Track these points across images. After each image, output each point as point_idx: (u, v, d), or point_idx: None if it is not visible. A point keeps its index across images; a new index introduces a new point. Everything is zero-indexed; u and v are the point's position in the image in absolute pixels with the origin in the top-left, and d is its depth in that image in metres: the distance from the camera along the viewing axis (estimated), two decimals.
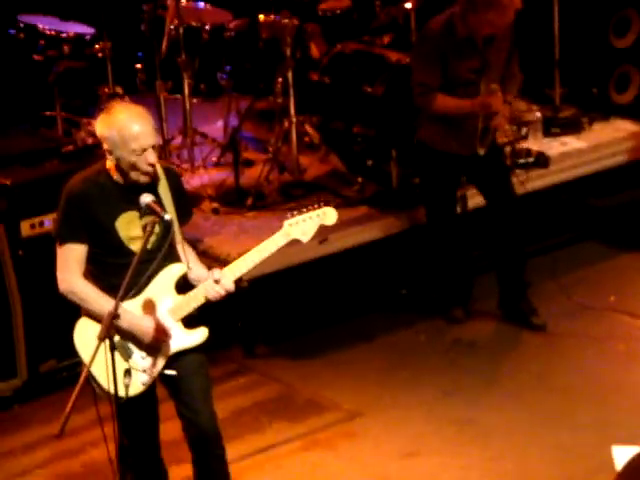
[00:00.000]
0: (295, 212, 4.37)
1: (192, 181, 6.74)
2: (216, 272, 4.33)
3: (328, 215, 4.40)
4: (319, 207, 4.39)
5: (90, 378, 4.20)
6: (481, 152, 6.00)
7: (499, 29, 5.80)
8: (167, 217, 4.22)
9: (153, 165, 4.25)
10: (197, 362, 4.42)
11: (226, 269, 4.35)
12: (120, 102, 4.33)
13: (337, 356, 6.05)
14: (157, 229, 4.27)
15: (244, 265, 4.35)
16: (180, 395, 4.42)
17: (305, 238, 4.38)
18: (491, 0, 5.68)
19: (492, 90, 5.86)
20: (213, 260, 6.04)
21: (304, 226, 4.36)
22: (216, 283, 4.31)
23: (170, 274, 4.36)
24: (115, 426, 4.06)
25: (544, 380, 5.75)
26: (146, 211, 4.27)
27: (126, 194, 4.30)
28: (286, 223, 4.35)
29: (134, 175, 4.26)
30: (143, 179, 4.27)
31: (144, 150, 4.21)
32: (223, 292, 4.31)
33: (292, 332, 6.26)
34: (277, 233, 4.35)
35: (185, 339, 4.38)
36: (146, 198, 4.25)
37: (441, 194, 6.18)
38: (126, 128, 4.20)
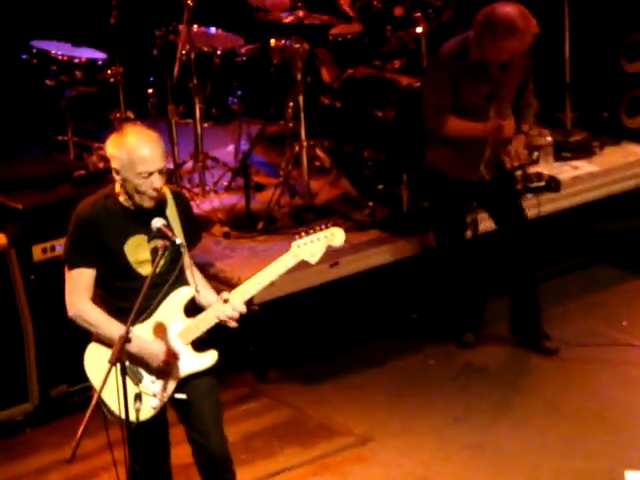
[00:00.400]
0: (303, 233, 4.37)
1: (203, 205, 6.75)
2: (224, 294, 4.33)
3: (336, 236, 4.39)
4: (327, 228, 4.39)
5: (100, 403, 4.20)
6: (487, 177, 6.00)
7: (516, 56, 5.77)
8: (178, 241, 4.23)
9: (158, 190, 4.26)
10: (208, 386, 4.41)
11: (234, 291, 4.35)
12: (133, 125, 4.35)
13: (348, 380, 6.04)
14: (166, 253, 4.28)
15: (252, 287, 4.35)
16: (190, 419, 4.41)
17: (313, 259, 4.37)
18: (510, 28, 5.60)
19: (505, 116, 5.86)
20: (224, 284, 6.04)
21: (312, 247, 4.35)
22: (225, 303, 4.30)
23: (179, 297, 4.37)
24: (126, 451, 4.05)
25: (556, 405, 5.73)
26: (156, 235, 4.28)
27: (134, 218, 4.31)
28: (294, 244, 4.35)
29: (138, 198, 4.27)
30: (147, 203, 4.28)
31: (150, 174, 4.23)
32: (234, 313, 4.30)
33: (303, 356, 6.25)
34: (285, 254, 4.35)
35: (195, 362, 4.38)
36: (157, 222, 4.27)
37: (450, 218, 6.17)
38: (135, 150, 4.22)
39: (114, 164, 4.28)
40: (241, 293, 4.34)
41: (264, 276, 4.34)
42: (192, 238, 4.46)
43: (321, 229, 4.37)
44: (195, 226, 4.55)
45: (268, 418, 5.78)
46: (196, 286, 4.39)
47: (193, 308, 4.40)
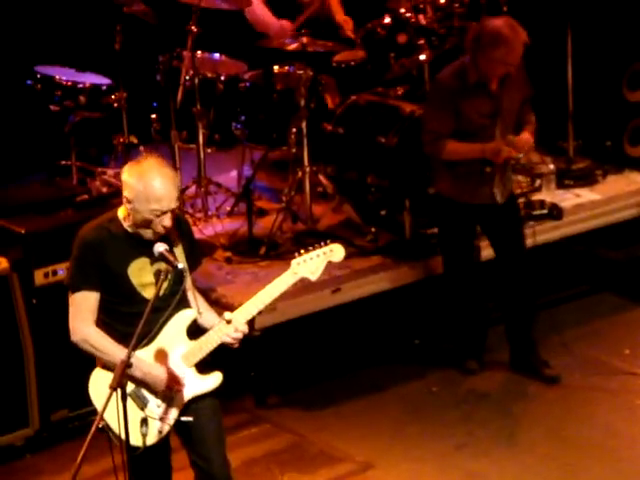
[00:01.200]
0: (302, 250, 4.37)
1: (205, 230, 6.76)
2: (227, 314, 4.33)
3: (335, 252, 4.39)
4: (326, 244, 4.39)
5: (106, 428, 4.18)
6: (499, 200, 6.01)
7: (511, 66, 5.81)
8: (180, 266, 4.23)
9: (167, 228, 4.27)
10: (211, 409, 4.40)
11: (236, 312, 4.35)
12: (155, 157, 4.32)
13: (349, 407, 6.02)
14: (169, 277, 4.28)
15: (254, 307, 4.35)
16: (193, 444, 4.40)
17: (314, 276, 4.37)
18: (496, 37, 5.72)
19: (509, 141, 5.88)
20: (226, 309, 6.02)
21: (312, 264, 4.35)
22: (228, 324, 4.30)
23: (181, 320, 4.37)
24: (126, 476, 4.04)
25: (558, 434, 5.71)
26: (159, 259, 4.28)
27: (137, 241, 4.32)
28: (294, 262, 4.35)
29: (143, 231, 4.28)
30: (150, 236, 4.28)
31: (163, 213, 4.23)
32: (237, 334, 4.30)
33: (304, 382, 6.24)
34: (285, 272, 4.35)
35: (200, 385, 4.37)
36: (159, 247, 4.27)
37: (459, 244, 6.17)
38: (153, 187, 4.21)
39: (127, 193, 4.27)
40: (243, 313, 4.34)
41: (265, 295, 4.34)
42: (193, 261, 4.47)
43: (320, 246, 4.37)
44: (196, 249, 4.56)
45: (268, 444, 5.76)
46: (198, 308, 4.39)
47: (196, 330, 4.40)
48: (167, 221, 4.25)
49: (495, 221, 6.09)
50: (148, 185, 4.21)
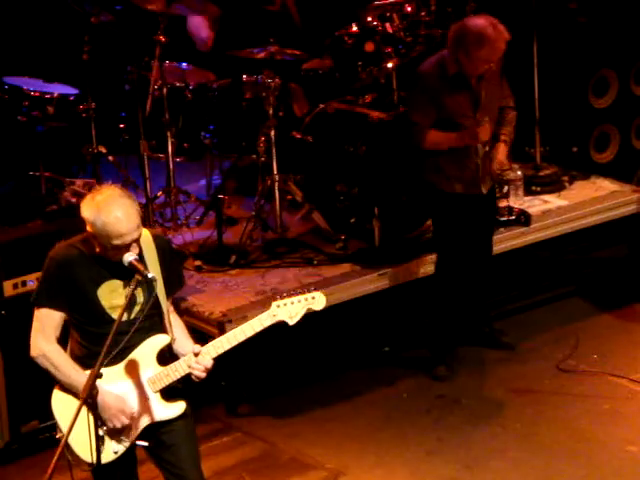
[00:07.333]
0: (284, 294, 4.37)
1: (175, 239, 6.75)
2: (196, 347, 4.31)
3: (317, 300, 4.40)
4: (309, 292, 4.40)
5: (64, 448, 4.10)
6: (484, 190, 6.06)
7: (494, 63, 5.87)
8: (150, 275, 4.19)
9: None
10: (185, 430, 4.37)
11: (209, 345, 4.32)
12: (110, 189, 4.24)
13: (320, 414, 6.03)
14: (140, 298, 4.25)
15: (227, 343, 4.32)
16: (168, 465, 4.36)
17: (292, 321, 4.36)
18: (480, 38, 5.76)
19: (481, 122, 5.92)
20: (196, 318, 6.04)
21: (292, 308, 4.35)
22: (195, 356, 4.29)
23: (153, 344, 4.33)
24: None
25: (529, 438, 5.73)
26: (128, 268, 4.23)
27: (110, 263, 4.25)
28: (274, 304, 4.34)
29: (107, 256, 4.24)
30: (113, 260, 4.24)
31: (126, 246, 4.18)
32: (198, 365, 4.27)
33: (275, 390, 6.24)
34: (264, 313, 4.33)
35: (161, 412, 4.33)
36: (129, 257, 4.21)
37: (453, 235, 6.14)
38: (112, 224, 4.13)
39: (89, 228, 4.19)
40: (215, 347, 4.31)
41: (240, 333, 4.31)
42: (172, 282, 4.40)
43: (303, 292, 4.38)
44: (177, 270, 4.50)
45: (240, 452, 5.76)
46: (172, 334, 4.35)
47: (170, 356, 4.37)
48: (130, 254, 4.18)
49: (479, 212, 6.14)
50: (107, 222, 4.13)
